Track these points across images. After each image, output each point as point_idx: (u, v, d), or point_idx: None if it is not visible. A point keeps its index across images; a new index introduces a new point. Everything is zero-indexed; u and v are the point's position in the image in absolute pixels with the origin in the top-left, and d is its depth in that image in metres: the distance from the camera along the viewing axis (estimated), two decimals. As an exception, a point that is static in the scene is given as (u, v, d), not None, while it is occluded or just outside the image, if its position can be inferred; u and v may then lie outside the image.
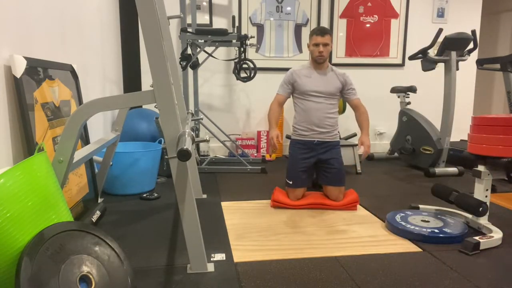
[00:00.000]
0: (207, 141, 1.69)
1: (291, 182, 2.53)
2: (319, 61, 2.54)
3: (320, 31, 2.49)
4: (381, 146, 4.47)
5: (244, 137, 4.18)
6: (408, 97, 3.88)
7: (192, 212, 1.55)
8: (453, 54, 3.28)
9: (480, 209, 1.97)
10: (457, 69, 3.32)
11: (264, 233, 2.04)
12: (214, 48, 3.48)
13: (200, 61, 3.58)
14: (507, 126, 1.88)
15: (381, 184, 3.08)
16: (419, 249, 1.85)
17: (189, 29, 3.37)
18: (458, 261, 1.73)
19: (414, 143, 3.62)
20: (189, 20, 3.77)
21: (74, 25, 2.49)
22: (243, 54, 3.38)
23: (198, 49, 3.38)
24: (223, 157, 4.00)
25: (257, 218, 2.27)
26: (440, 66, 3.56)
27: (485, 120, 1.97)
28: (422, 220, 2.12)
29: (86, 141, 2.37)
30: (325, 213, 2.38)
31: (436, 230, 1.97)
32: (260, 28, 4.14)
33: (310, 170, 2.60)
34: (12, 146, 1.64)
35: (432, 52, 3.39)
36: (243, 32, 3.69)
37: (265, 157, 3.93)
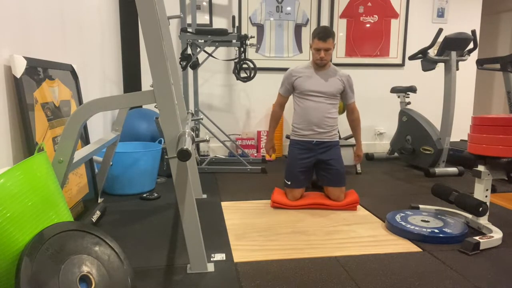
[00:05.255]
0: (207, 141, 1.69)
1: (289, 183, 2.53)
2: (320, 65, 2.51)
3: (323, 36, 2.40)
4: (381, 146, 4.47)
5: (244, 137, 4.18)
6: (408, 97, 3.88)
7: (192, 212, 1.55)
8: (453, 54, 3.28)
9: (480, 209, 1.97)
10: (457, 69, 3.32)
11: (264, 233, 2.04)
12: (214, 48, 3.48)
13: (200, 61, 3.58)
14: (507, 126, 1.88)
15: (381, 184, 3.08)
16: (419, 249, 1.85)
17: (189, 29, 3.37)
18: (458, 261, 1.73)
19: (414, 143, 3.62)
20: (189, 20, 3.77)
21: (74, 25, 2.49)
22: (243, 54, 3.38)
23: (198, 49, 3.38)
24: (223, 157, 4.00)
25: (257, 218, 2.27)
26: (440, 66, 3.56)
27: (485, 120, 1.97)
28: (422, 220, 2.12)
29: (86, 141, 2.37)
30: (325, 213, 2.38)
31: (436, 230, 1.97)
32: (260, 28, 4.14)
33: (309, 171, 2.60)
34: (12, 146, 1.64)
35: (432, 52, 3.39)
36: (243, 32, 3.69)
37: (265, 157, 3.93)
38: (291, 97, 2.68)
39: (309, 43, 2.54)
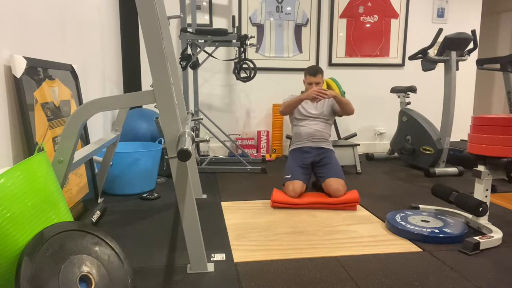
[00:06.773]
0: (207, 141, 1.69)
1: (289, 176, 2.63)
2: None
3: (313, 72, 2.80)
4: (381, 146, 4.47)
5: (244, 137, 4.18)
6: (408, 97, 3.88)
7: (192, 212, 1.55)
8: (453, 54, 3.28)
9: (480, 209, 1.97)
10: (457, 69, 3.32)
11: (264, 233, 2.04)
12: (214, 48, 3.48)
13: (200, 61, 3.58)
14: (507, 126, 1.88)
15: (381, 184, 3.08)
16: (419, 249, 1.85)
17: (189, 29, 3.37)
18: (458, 261, 1.73)
19: (414, 143, 3.62)
20: (189, 20, 3.77)
21: (74, 25, 2.49)
22: (243, 54, 3.38)
23: (198, 49, 3.38)
24: (223, 157, 4.00)
25: (257, 218, 2.27)
26: (440, 66, 3.56)
27: (485, 120, 1.97)
28: (422, 220, 2.12)
29: (86, 141, 2.37)
30: (325, 213, 2.38)
31: (436, 230, 1.97)
32: (260, 28, 4.14)
33: (307, 169, 2.74)
34: (12, 146, 1.64)
35: (432, 52, 3.39)
36: (243, 32, 3.69)
37: (265, 157, 3.93)
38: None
39: (303, 80, 2.88)
